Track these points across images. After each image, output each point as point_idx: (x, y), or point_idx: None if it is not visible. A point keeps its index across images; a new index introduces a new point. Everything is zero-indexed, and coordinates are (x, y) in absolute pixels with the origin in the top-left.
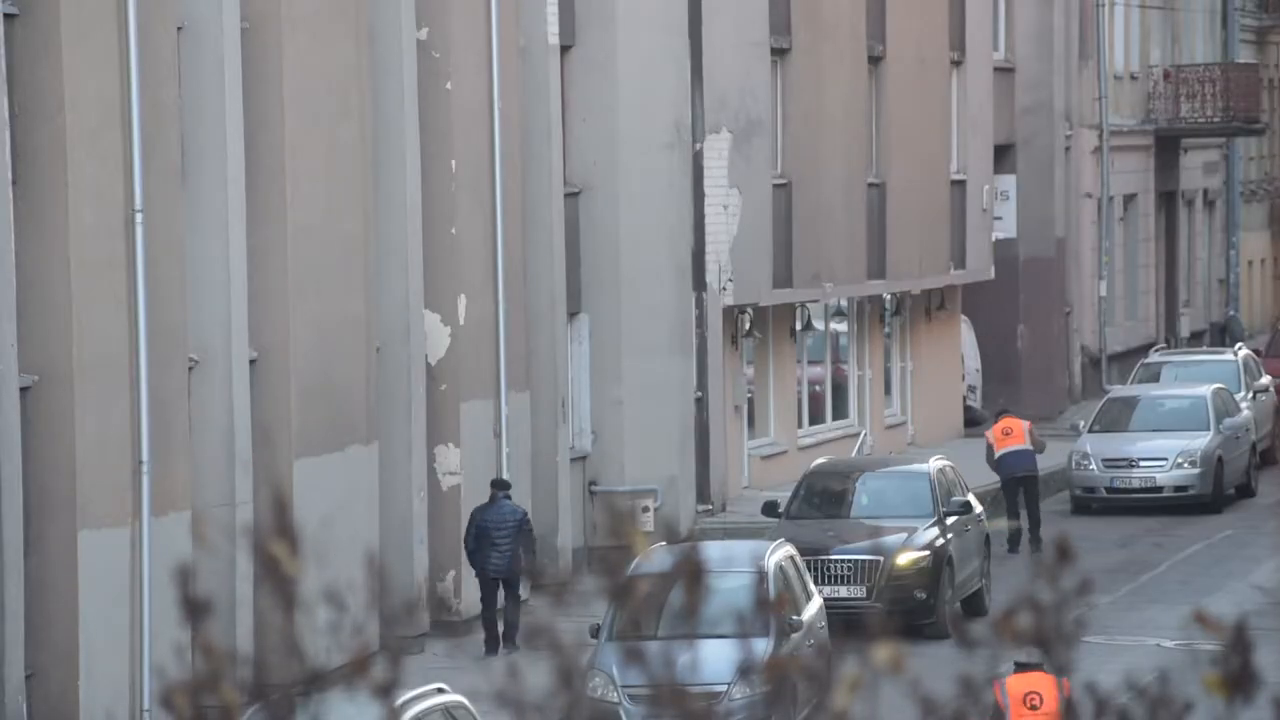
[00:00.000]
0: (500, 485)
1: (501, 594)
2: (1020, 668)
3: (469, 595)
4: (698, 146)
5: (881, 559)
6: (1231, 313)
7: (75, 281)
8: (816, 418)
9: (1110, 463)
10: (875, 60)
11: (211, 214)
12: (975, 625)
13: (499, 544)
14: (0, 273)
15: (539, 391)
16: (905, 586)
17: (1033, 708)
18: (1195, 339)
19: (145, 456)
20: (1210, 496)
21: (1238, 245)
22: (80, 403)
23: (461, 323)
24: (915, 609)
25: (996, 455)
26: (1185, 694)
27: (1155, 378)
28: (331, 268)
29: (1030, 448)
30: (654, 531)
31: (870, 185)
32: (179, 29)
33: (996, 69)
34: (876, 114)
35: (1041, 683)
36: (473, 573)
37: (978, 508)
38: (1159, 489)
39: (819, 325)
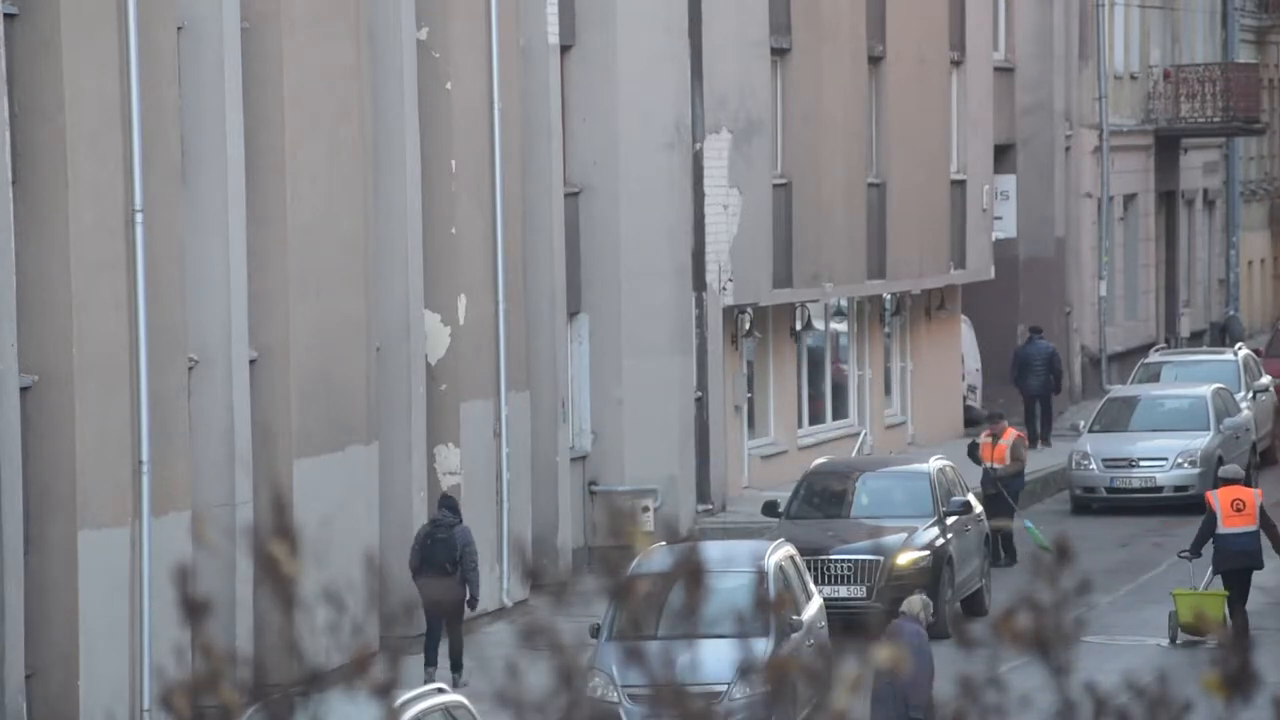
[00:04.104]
0: (1035, 330)
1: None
2: (1226, 482)
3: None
4: (698, 146)
5: (881, 559)
6: (1231, 313)
7: (75, 281)
8: (816, 418)
9: (1110, 463)
10: (875, 60)
11: (211, 214)
12: (975, 625)
13: (1036, 370)
14: (0, 273)
15: (539, 391)
16: (905, 586)
17: (1238, 510)
18: (1195, 339)
19: (145, 456)
20: None
21: (1238, 245)
22: (80, 403)
23: (461, 323)
24: None
25: (980, 464)
26: (1185, 694)
27: (1155, 378)
28: (331, 268)
29: (999, 468)
30: (654, 531)
31: (870, 185)
32: (179, 29)
33: (996, 69)
34: (876, 114)
35: (1244, 493)
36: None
37: (977, 508)
38: (1159, 489)
39: (819, 325)
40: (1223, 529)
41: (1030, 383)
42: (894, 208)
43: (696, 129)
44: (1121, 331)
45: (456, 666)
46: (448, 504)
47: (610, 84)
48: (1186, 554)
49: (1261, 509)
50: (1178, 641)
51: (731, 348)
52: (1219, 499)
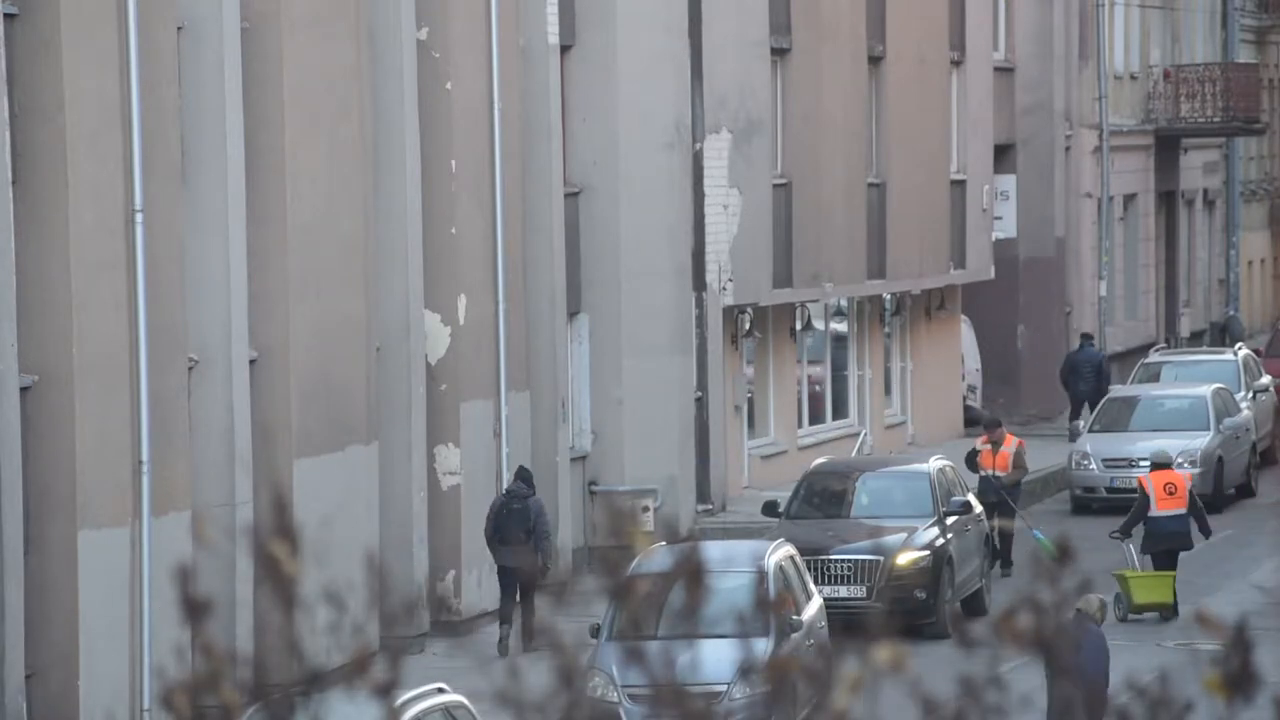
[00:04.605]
0: (1086, 337)
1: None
2: (1156, 467)
3: (468, 595)
4: (698, 146)
5: (881, 559)
6: (1231, 313)
7: (75, 281)
8: (816, 418)
9: (1110, 463)
10: (875, 60)
11: (211, 214)
12: (975, 625)
13: (1085, 375)
14: (0, 273)
15: (539, 391)
16: (905, 586)
17: (1170, 493)
18: (1195, 339)
19: (145, 456)
20: (1210, 496)
21: (1238, 245)
22: (80, 403)
23: (461, 323)
24: (915, 609)
25: (980, 472)
26: (1185, 694)
27: (1155, 378)
28: (331, 268)
29: (1002, 475)
30: (654, 531)
31: (870, 185)
32: (179, 29)
33: (996, 69)
34: (876, 114)
35: (1175, 477)
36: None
37: (977, 508)
38: None
39: (819, 325)
40: (1155, 511)
41: (1080, 387)
42: (894, 208)
43: (696, 129)
44: (1121, 331)
45: (529, 635)
46: (523, 476)
47: (610, 84)
48: (1118, 535)
49: (1191, 493)
50: (1125, 620)
51: (731, 348)
52: (1152, 482)
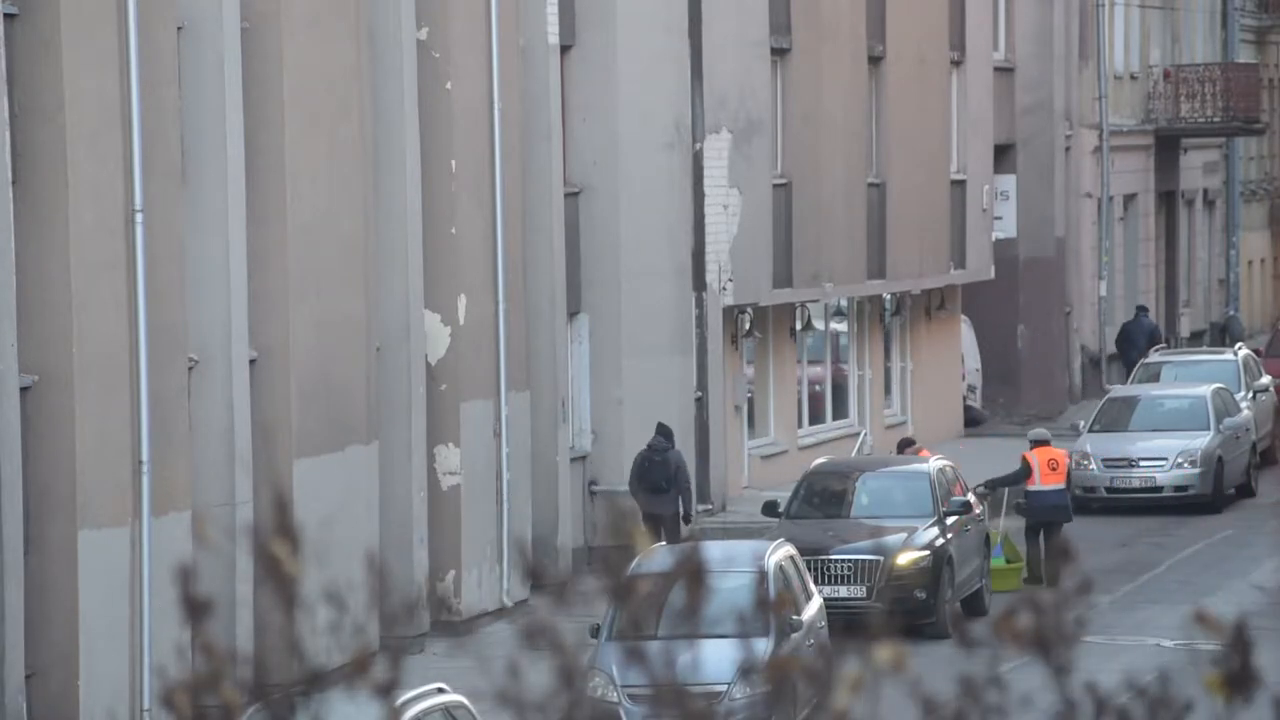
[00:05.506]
0: (1141, 309)
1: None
2: (1037, 444)
3: (468, 595)
4: (698, 146)
5: (881, 559)
6: (1231, 313)
7: (75, 281)
8: (816, 418)
9: (1110, 463)
10: (875, 60)
11: (211, 214)
12: (975, 625)
13: (1137, 344)
14: (0, 273)
15: (539, 391)
16: (905, 586)
17: (1053, 469)
18: (1195, 339)
19: (145, 456)
20: (1210, 496)
21: (1238, 245)
22: (80, 403)
23: (461, 323)
24: (915, 609)
25: None
26: (1185, 694)
27: (1155, 378)
28: (331, 268)
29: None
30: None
31: (870, 185)
32: (179, 29)
33: (996, 69)
34: (876, 114)
35: (1057, 453)
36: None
37: (978, 508)
38: (1159, 489)
39: (819, 325)
40: (1039, 486)
41: (1132, 355)
42: (894, 208)
43: (696, 129)
44: None
45: None
46: (663, 431)
47: (610, 84)
48: (982, 488)
49: (1070, 469)
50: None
51: (731, 348)
52: (1036, 458)
